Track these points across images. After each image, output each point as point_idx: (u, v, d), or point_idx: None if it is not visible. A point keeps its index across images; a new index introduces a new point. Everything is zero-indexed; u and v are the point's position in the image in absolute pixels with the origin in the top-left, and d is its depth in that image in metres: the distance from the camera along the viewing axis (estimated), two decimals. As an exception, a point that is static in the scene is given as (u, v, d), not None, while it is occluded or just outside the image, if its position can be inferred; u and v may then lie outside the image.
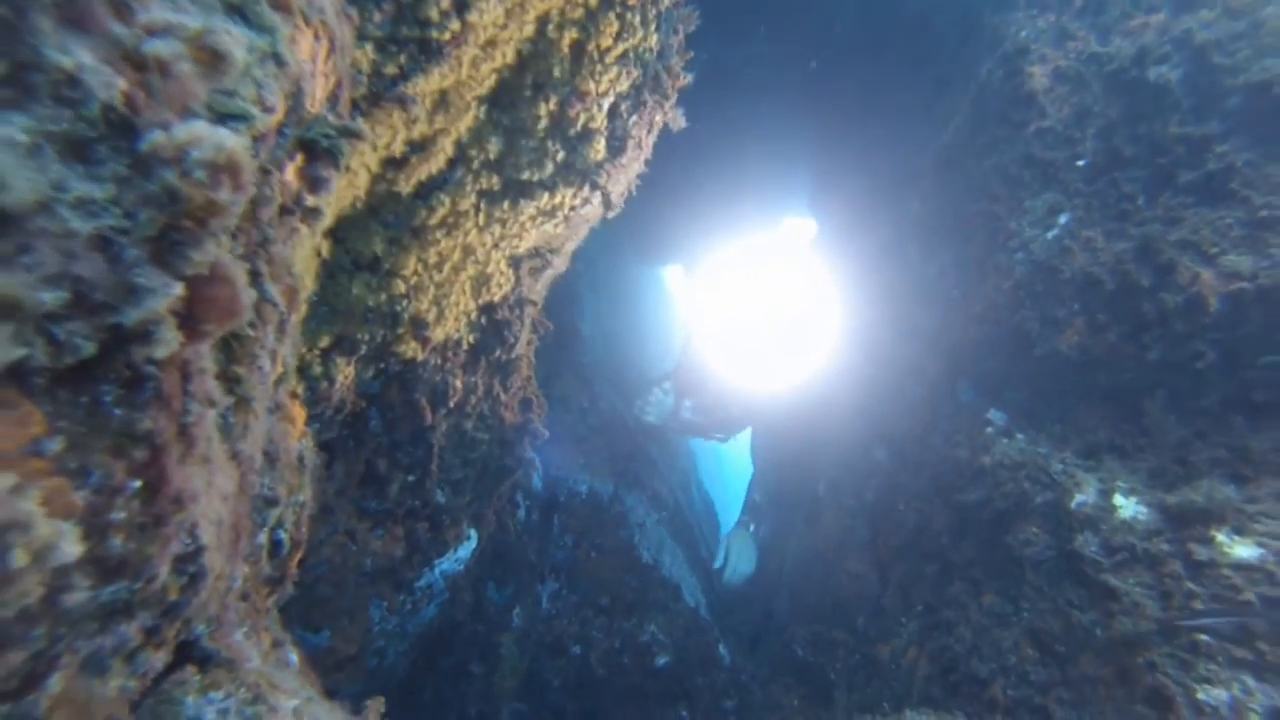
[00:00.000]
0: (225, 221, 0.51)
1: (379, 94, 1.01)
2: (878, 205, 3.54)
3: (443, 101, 1.17)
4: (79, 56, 0.44)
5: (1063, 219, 2.54)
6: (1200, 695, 1.71)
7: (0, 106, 0.41)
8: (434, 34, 1.10)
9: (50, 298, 0.43)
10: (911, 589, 2.59)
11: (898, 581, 2.64)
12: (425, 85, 1.08)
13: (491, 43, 1.30)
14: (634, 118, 1.72)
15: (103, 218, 0.46)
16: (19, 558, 0.41)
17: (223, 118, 0.56)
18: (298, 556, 1.03)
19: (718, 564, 3.69)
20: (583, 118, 1.48)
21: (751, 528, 3.81)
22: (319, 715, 0.74)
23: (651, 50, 1.63)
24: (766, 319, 4.20)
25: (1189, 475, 2.09)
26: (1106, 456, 2.28)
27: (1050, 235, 2.55)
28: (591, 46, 1.37)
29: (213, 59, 0.54)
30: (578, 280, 3.84)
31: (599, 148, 1.64)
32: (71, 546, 0.44)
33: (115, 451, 0.48)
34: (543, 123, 1.39)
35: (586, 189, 1.67)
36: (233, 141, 0.50)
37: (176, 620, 0.59)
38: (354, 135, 0.78)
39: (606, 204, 1.81)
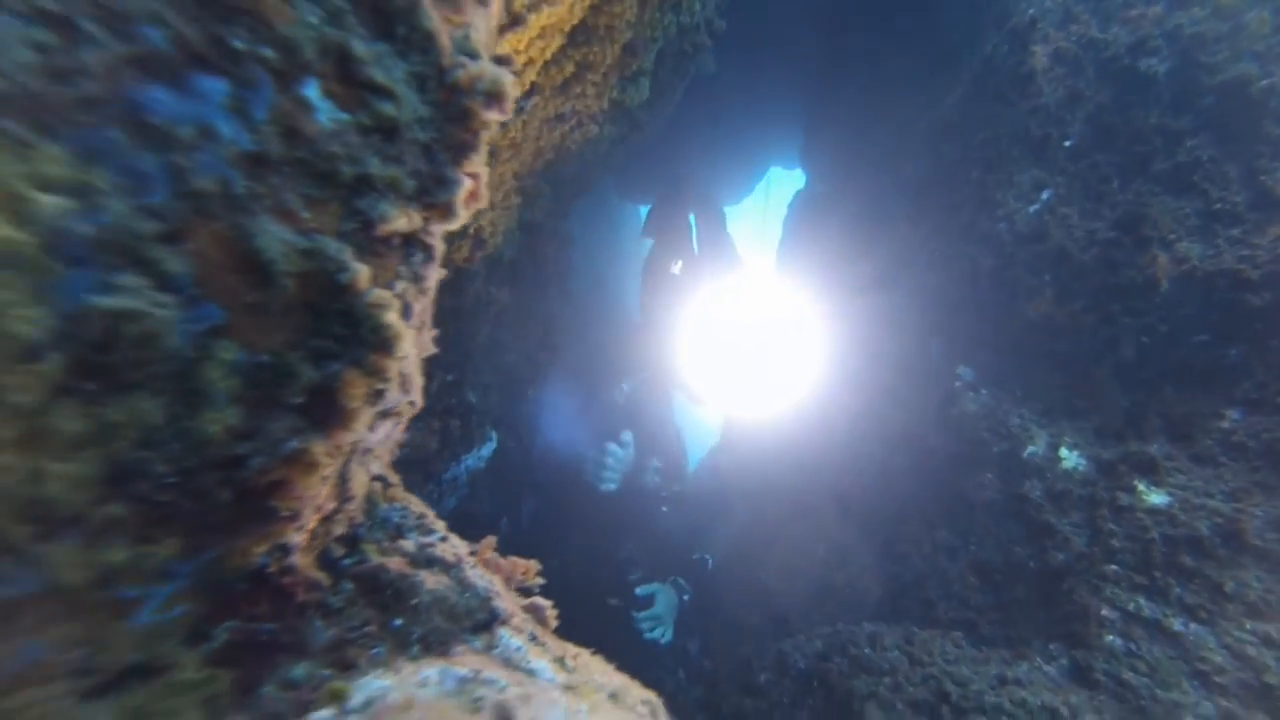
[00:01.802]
0: (490, 135, 0.72)
1: (510, 23, 1.19)
2: (871, 164, 3.81)
3: (541, 34, 1.36)
4: (432, 19, 0.64)
5: (1045, 195, 2.88)
6: (1105, 611, 2.14)
7: (394, 57, 0.62)
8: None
9: (410, 184, 0.65)
10: (870, 525, 2.98)
11: (858, 517, 3.04)
12: (536, 20, 1.27)
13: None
14: (672, 65, 1.92)
15: (429, 130, 0.67)
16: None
17: (469, 54, 0.76)
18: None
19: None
20: (637, 63, 1.68)
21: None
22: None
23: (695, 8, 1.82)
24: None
25: (1125, 435, 2.51)
26: (1058, 415, 2.68)
27: (1032, 210, 2.89)
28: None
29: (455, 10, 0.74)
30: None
31: (644, 88, 1.84)
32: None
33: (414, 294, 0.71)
34: (607, 60, 1.58)
35: (628, 126, 1.87)
36: (503, 75, 0.71)
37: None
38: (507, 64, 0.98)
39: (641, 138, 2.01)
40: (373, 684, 0.66)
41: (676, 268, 4.03)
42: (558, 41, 1.51)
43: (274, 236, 0.55)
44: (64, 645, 0.57)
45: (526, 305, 2.02)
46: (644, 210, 5.56)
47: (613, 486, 3.22)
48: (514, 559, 1.12)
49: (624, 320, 4.67)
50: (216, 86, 0.51)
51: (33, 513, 0.48)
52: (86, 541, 0.52)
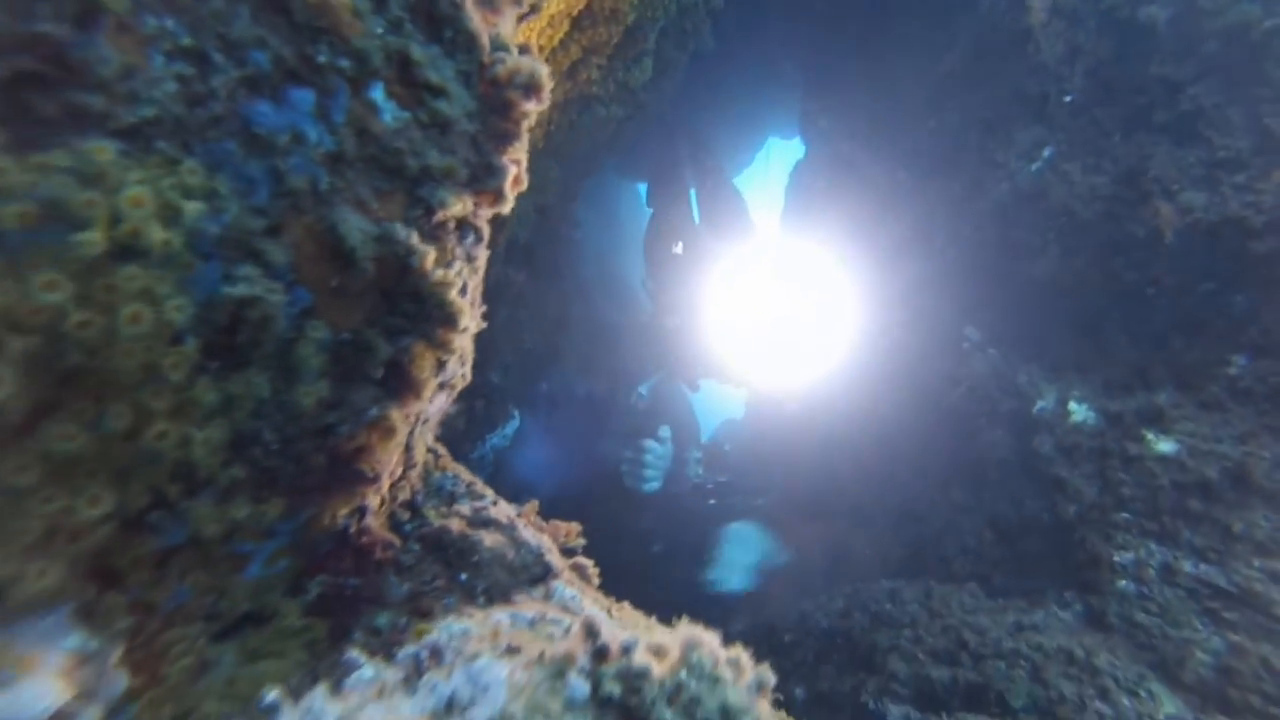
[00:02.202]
0: (529, 124, 0.80)
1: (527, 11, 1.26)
2: (872, 129, 3.86)
3: (550, 21, 1.43)
4: (475, 21, 0.72)
5: (1046, 152, 2.93)
6: (1116, 558, 2.24)
7: (444, 57, 0.70)
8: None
9: (464, 173, 0.73)
10: (888, 487, 3.08)
11: (876, 480, 3.14)
12: (548, 7, 1.34)
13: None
14: (674, 44, 1.98)
15: (475, 122, 0.75)
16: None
17: (503, 49, 0.83)
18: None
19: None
20: (640, 44, 1.74)
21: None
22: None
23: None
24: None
25: (1133, 387, 2.59)
26: (1066, 370, 2.77)
27: (1034, 168, 2.95)
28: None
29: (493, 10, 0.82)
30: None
31: (647, 68, 1.90)
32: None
33: (469, 273, 0.80)
34: (612, 43, 1.65)
35: (633, 106, 1.94)
36: (539, 67, 0.78)
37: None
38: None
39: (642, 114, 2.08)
40: (454, 625, 0.76)
41: (678, 248, 3.94)
42: (565, 27, 1.57)
43: (354, 226, 0.64)
44: (200, 591, 0.66)
45: (541, 286, 2.11)
46: (643, 188, 5.55)
47: (655, 485, 3.05)
48: (556, 522, 1.22)
49: (632, 309, 4.69)
50: (305, 96, 0.59)
51: (181, 474, 0.57)
52: (218, 500, 0.61)
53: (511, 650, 0.60)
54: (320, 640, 0.78)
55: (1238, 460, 2.19)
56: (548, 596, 0.94)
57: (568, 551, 1.19)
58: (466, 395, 2.31)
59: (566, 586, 0.97)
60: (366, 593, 0.81)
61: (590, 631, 0.57)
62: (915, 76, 3.55)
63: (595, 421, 3.06)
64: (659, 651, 0.54)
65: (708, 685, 0.51)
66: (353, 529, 0.80)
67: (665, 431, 3.00)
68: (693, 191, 4.51)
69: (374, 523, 0.83)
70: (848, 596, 2.60)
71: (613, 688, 0.52)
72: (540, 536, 1.06)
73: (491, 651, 0.58)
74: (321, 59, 0.60)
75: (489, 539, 0.95)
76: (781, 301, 3.52)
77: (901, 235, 3.28)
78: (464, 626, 0.75)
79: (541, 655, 0.58)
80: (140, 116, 0.48)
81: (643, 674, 0.52)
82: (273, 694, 0.48)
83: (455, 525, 0.94)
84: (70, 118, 0.46)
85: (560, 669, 0.55)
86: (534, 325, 2.14)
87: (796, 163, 5.49)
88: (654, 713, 0.50)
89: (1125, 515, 2.29)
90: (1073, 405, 2.62)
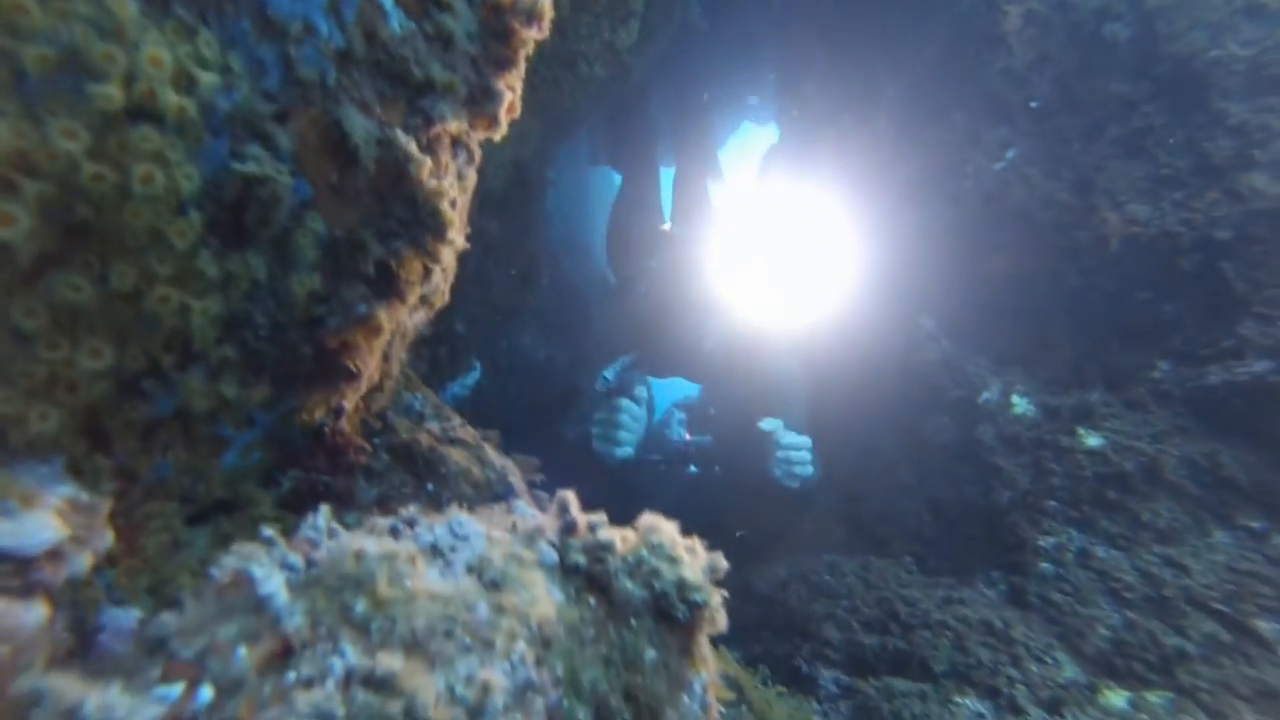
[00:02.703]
0: (528, 51, 0.84)
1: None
2: (846, 119, 3.95)
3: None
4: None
5: (1010, 153, 3.06)
6: (1041, 542, 2.40)
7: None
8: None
9: (463, 91, 0.76)
10: (836, 466, 3.21)
11: (822, 459, 3.25)
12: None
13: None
14: (661, 10, 2.01)
15: (476, 45, 0.78)
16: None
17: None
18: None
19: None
20: (629, 4, 1.77)
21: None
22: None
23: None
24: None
25: (1070, 384, 2.76)
26: (1012, 364, 2.92)
27: (997, 167, 3.08)
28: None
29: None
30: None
31: (633, 30, 1.94)
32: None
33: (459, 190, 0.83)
34: (602, 1, 1.68)
35: (618, 70, 1.97)
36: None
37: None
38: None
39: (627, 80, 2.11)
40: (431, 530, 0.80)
41: (665, 226, 3.90)
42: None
43: (359, 124, 0.67)
44: (180, 469, 0.69)
45: (512, 240, 2.13)
46: (617, 178, 5.47)
47: (628, 451, 2.66)
48: (516, 455, 1.26)
49: (598, 283, 4.69)
50: (320, -10, 0.62)
51: (176, 343, 0.60)
52: (209, 375, 0.64)
53: (484, 520, 0.65)
54: (291, 530, 0.81)
55: (1152, 456, 2.36)
56: (509, 512, 0.98)
57: (529, 484, 1.24)
58: (430, 341, 2.33)
59: (528, 506, 1.02)
60: (338, 491, 0.84)
61: (561, 508, 0.62)
62: (893, 68, 3.65)
63: (556, 401, 2.92)
64: (623, 535, 0.60)
65: (666, 562, 0.57)
66: (328, 428, 0.83)
67: (642, 391, 2.72)
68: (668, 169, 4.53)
69: (348, 425, 0.87)
70: (789, 567, 2.71)
71: (579, 558, 0.57)
72: (504, 459, 1.10)
73: (471, 529, 0.63)
74: (338, -46, 0.62)
75: (456, 455, 0.99)
76: (782, 239, 3.39)
77: (870, 221, 3.38)
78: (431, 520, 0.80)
79: (514, 526, 0.63)
80: (164, -21, 0.50)
81: (607, 547, 0.57)
82: (269, 530, 0.52)
83: (424, 439, 0.98)
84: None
85: (531, 537, 0.60)
86: (502, 279, 2.17)
87: (770, 147, 5.57)
88: (616, 582, 0.56)
89: (1053, 503, 2.44)
90: (1015, 398, 2.77)
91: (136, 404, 0.62)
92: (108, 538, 0.59)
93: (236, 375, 0.67)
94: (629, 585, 0.55)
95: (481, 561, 0.54)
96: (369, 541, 0.51)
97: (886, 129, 3.53)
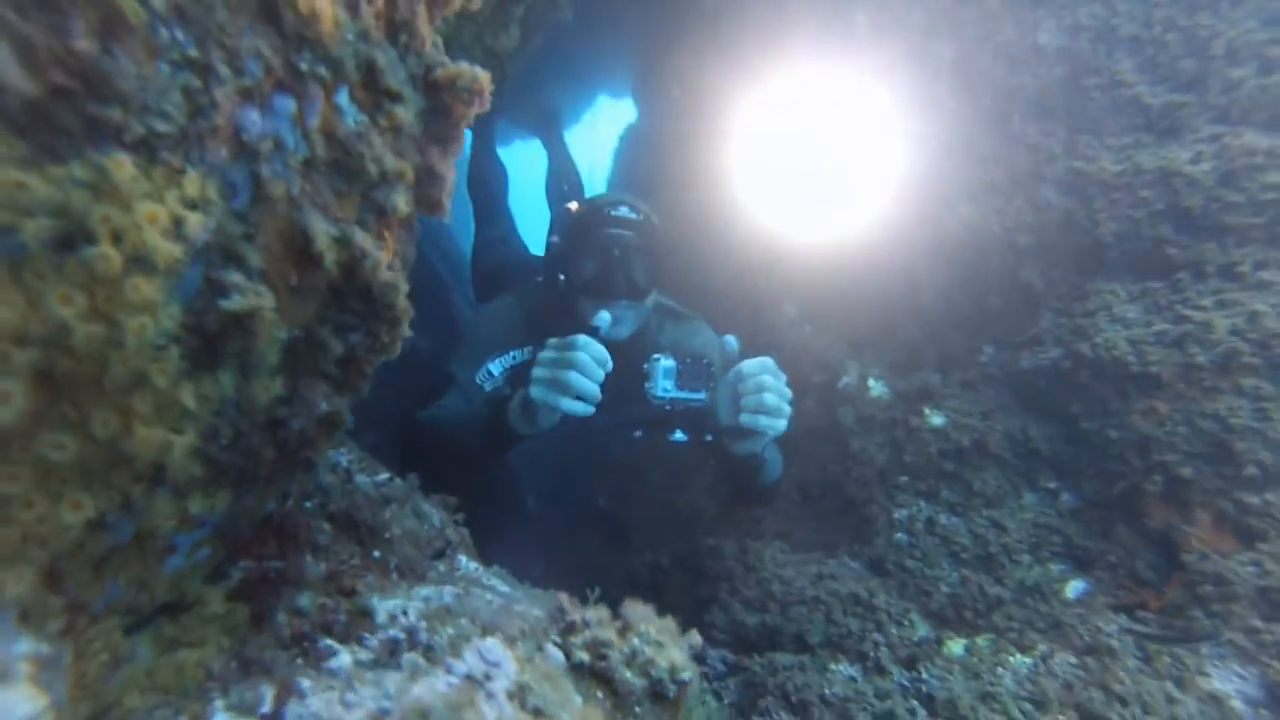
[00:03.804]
0: (468, 124, 0.86)
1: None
2: (705, 103, 4.13)
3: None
4: (427, 24, 0.76)
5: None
6: (895, 514, 2.75)
7: (399, 62, 0.74)
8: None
9: (412, 175, 0.78)
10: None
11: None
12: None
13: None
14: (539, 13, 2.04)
15: (419, 124, 0.79)
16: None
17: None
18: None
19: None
20: (510, 13, 1.78)
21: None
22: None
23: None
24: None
25: (915, 368, 3.14)
26: (866, 351, 3.26)
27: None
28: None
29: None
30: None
31: (515, 35, 1.94)
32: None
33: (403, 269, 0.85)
34: (486, 13, 1.67)
35: (499, 73, 1.97)
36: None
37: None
38: None
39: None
40: (386, 603, 0.83)
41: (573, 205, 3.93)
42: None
43: (322, 229, 0.68)
44: (128, 586, 0.68)
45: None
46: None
47: (584, 407, 1.87)
48: (434, 497, 1.29)
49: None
50: (288, 104, 0.62)
51: (148, 474, 0.59)
52: (175, 496, 0.64)
53: (488, 629, 0.71)
54: (241, 624, 0.81)
55: (982, 431, 2.77)
56: (454, 569, 1.03)
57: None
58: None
59: (467, 559, 1.07)
60: (289, 573, 0.85)
61: (559, 612, 0.69)
62: (759, 53, 3.84)
63: (428, 390, 2.45)
64: (615, 626, 0.68)
65: (656, 648, 0.66)
66: (277, 511, 0.83)
67: (604, 319, 1.99)
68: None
69: (294, 505, 0.87)
70: (671, 552, 2.90)
71: (582, 655, 0.65)
72: (435, 507, 1.13)
73: (475, 631, 0.68)
74: (304, 66, 0.62)
75: (395, 514, 1.02)
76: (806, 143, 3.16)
77: (718, 199, 3.59)
78: (398, 604, 0.83)
79: (521, 632, 0.69)
80: (150, 128, 0.50)
81: (607, 644, 0.66)
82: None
83: (361, 502, 0.99)
84: (89, 129, 0.47)
85: (538, 642, 0.67)
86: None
87: (628, 126, 5.65)
88: (619, 674, 0.64)
89: (905, 478, 2.81)
90: (871, 381, 3.11)
91: (98, 537, 0.61)
92: (64, 686, 0.59)
93: (201, 490, 0.67)
94: (630, 676, 0.64)
95: (520, 689, 0.60)
96: (424, 689, 0.56)
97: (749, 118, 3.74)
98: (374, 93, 0.73)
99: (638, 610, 0.69)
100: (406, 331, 0.81)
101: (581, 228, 2.28)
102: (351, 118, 0.71)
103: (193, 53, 0.51)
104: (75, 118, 0.46)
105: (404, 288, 0.79)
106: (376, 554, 0.95)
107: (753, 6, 3.72)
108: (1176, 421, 2.39)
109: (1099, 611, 2.30)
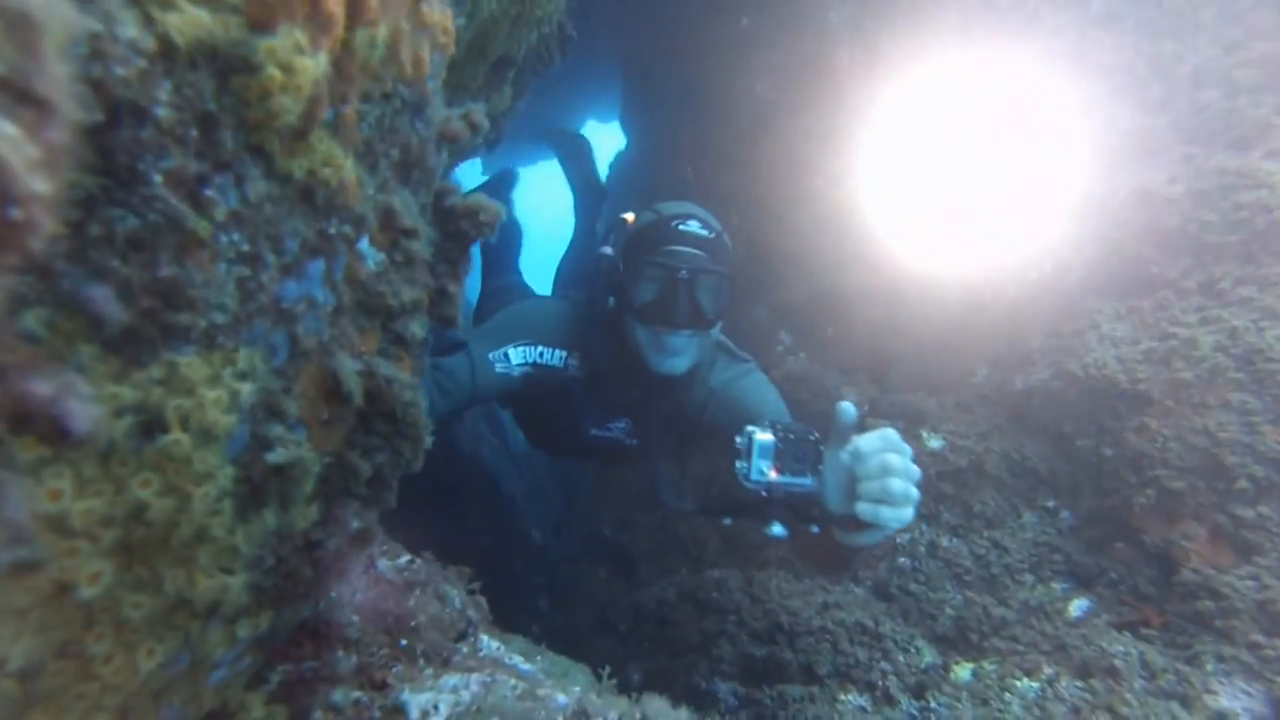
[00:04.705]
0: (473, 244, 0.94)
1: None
2: (685, 135, 4.23)
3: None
4: (435, 159, 0.84)
5: (850, 182, 3.46)
6: (898, 539, 2.81)
7: (412, 198, 0.82)
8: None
9: (426, 300, 0.85)
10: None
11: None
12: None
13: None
14: (530, 70, 2.12)
15: (430, 248, 0.87)
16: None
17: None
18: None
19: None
20: (503, 78, 1.87)
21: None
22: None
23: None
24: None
25: (906, 389, 3.22)
26: (857, 374, 3.34)
27: (839, 193, 3.47)
28: None
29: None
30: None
31: (506, 95, 2.03)
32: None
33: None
34: (478, 81, 1.75)
35: (491, 129, 2.05)
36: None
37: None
38: None
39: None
40: (418, 698, 0.90)
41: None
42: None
43: (349, 369, 0.75)
44: (181, 705, 0.75)
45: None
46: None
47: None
48: (451, 568, 1.35)
49: None
50: (318, 266, 0.69)
51: (207, 610, 0.66)
52: (226, 623, 0.70)
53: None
54: (282, 724, 0.88)
55: (979, 453, 2.84)
56: (476, 651, 1.10)
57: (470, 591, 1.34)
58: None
59: (489, 638, 1.14)
60: (323, 671, 0.92)
61: (581, 713, 0.76)
62: (729, 85, 3.95)
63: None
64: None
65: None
66: (310, 615, 0.90)
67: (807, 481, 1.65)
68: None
69: (325, 605, 0.94)
70: (677, 585, 2.96)
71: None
72: (455, 586, 1.20)
73: None
74: (332, 230, 0.70)
75: (418, 600, 1.08)
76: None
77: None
78: (428, 698, 0.90)
79: None
80: (210, 322, 0.57)
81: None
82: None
83: (386, 592, 1.06)
84: (164, 335, 0.54)
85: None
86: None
87: (617, 153, 5.75)
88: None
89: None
90: (867, 407, 3.18)
91: (162, 674, 0.67)
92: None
93: (247, 615, 0.74)
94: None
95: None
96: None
97: (729, 145, 3.84)
98: (391, 232, 0.80)
99: (654, 704, 0.76)
100: (428, 444, 0.88)
101: (642, 242, 2.01)
102: (372, 260, 0.78)
103: (245, 248, 0.59)
104: (155, 328, 0.53)
105: (423, 404, 0.87)
106: (404, 642, 1.01)
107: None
108: (1168, 437, 2.47)
109: (1102, 631, 2.37)
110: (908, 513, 1.50)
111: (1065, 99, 2.90)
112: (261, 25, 0.54)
